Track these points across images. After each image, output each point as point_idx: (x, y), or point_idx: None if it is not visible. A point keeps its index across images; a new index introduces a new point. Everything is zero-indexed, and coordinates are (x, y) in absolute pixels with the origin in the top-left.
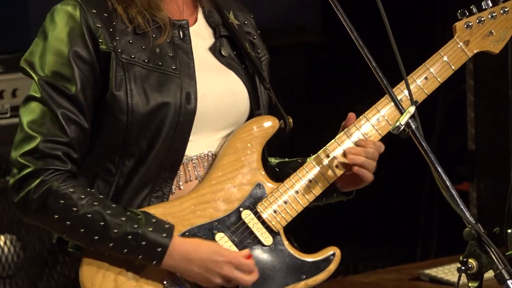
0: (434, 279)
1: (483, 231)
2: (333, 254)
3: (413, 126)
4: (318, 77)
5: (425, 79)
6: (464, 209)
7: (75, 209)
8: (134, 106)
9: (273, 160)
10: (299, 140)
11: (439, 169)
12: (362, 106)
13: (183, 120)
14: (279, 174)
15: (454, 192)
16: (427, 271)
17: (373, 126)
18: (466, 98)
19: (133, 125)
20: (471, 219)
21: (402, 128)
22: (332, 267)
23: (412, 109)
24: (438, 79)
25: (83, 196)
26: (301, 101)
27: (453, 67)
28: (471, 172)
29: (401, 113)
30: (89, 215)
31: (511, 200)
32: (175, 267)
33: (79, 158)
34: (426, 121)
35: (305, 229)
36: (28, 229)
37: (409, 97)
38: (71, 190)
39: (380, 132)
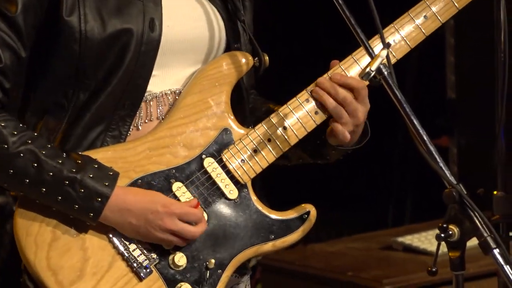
0: (408, 248)
1: (465, 192)
2: (307, 213)
3: (385, 73)
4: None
5: (424, 18)
6: (443, 167)
7: (5, 146)
8: (88, 33)
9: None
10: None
11: (415, 121)
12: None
13: (146, 50)
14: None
15: (431, 148)
16: (400, 239)
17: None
18: (444, 40)
19: (86, 55)
20: (451, 178)
21: (372, 74)
22: (306, 227)
23: (384, 53)
24: (440, 18)
25: (15, 132)
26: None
27: (457, 5)
28: (450, 125)
29: (371, 57)
30: (21, 154)
31: (498, 156)
32: (113, 221)
33: (10, 90)
34: (399, 67)
35: (264, 186)
36: None
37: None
38: (2, 124)
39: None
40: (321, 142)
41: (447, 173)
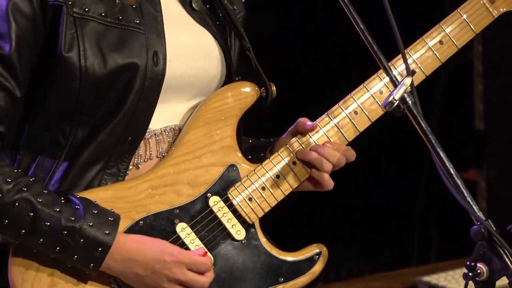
0: None
1: (494, 229)
2: (319, 254)
3: (409, 102)
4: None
5: (439, 43)
6: (471, 202)
7: None
8: (89, 69)
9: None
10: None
11: (441, 154)
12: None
13: (149, 86)
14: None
15: (459, 182)
16: (426, 278)
17: (363, 110)
18: (473, 67)
19: (87, 92)
20: (480, 214)
21: (396, 103)
22: (317, 268)
23: (408, 81)
24: (456, 43)
25: (9, 180)
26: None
27: (474, 28)
28: (479, 157)
29: (395, 86)
30: (16, 204)
31: None
32: (117, 271)
33: (5, 132)
34: (425, 96)
35: (276, 224)
36: None
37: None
38: None
39: (370, 117)
40: None
41: (475, 208)
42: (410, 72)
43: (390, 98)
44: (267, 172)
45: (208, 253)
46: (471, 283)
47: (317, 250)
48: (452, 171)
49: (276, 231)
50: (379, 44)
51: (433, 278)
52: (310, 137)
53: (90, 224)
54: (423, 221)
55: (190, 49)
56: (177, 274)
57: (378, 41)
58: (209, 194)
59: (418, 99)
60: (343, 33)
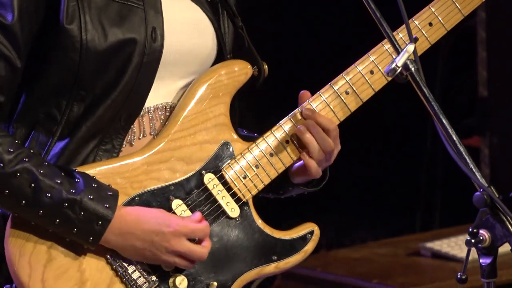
0: (437, 254)
1: (497, 195)
2: (311, 232)
3: (412, 69)
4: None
5: (429, 25)
6: (474, 169)
7: (0, 164)
8: (89, 42)
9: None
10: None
11: (444, 121)
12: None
13: (147, 61)
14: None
15: (462, 149)
16: (429, 245)
17: (366, 79)
18: (476, 33)
19: (86, 65)
20: (482, 181)
21: (398, 70)
22: (309, 247)
23: (411, 48)
24: (462, 11)
25: (11, 150)
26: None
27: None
28: (482, 124)
29: (398, 53)
30: (18, 174)
31: None
32: (116, 244)
33: (4, 103)
34: (428, 63)
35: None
36: None
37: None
38: None
39: (373, 86)
40: (280, 177)
41: (478, 175)
42: (413, 39)
43: (393, 65)
44: (260, 150)
45: (204, 220)
46: (473, 249)
47: (310, 229)
48: (455, 138)
49: (276, 199)
50: (382, 13)
51: (436, 245)
52: (302, 115)
53: (91, 197)
54: (427, 188)
55: (185, 26)
56: (176, 245)
57: (381, 10)
58: (203, 171)
59: (421, 66)
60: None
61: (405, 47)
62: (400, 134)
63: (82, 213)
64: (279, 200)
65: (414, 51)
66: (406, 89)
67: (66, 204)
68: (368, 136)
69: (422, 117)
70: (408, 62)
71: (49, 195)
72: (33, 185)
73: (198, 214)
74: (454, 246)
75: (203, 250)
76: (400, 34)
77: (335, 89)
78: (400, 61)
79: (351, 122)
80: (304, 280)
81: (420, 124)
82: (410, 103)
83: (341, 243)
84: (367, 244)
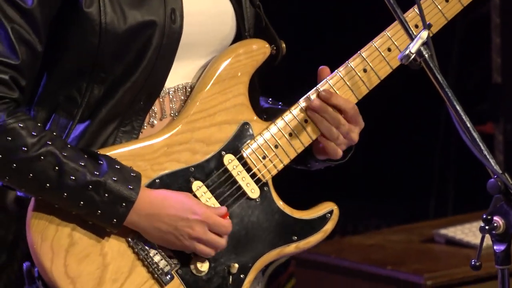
0: (451, 241)
1: (511, 182)
2: (331, 212)
3: (426, 55)
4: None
5: None
6: (488, 156)
7: (24, 148)
8: (109, 25)
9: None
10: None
11: (457, 107)
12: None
13: (167, 43)
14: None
15: (475, 135)
16: (443, 231)
17: (383, 57)
18: (490, 19)
19: (106, 48)
20: (496, 168)
21: (412, 57)
22: (329, 226)
23: (424, 34)
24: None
25: (34, 133)
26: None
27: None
28: (496, 111)
29: (411, 39)
30: (42, 157)
31: None
32: (139, 226)
33: (26, 87)
34: (442, 49)
35: (294, 180)
36: None
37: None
38: (21, 124)
39: (390, 64)
40: (307, 151)
41: (492, 162)
42: (427, 25)
43: (407, 51)
44: (279, 130)
45: (228, 217)
46: (487, 236)
47: (330, 208)
48: (468, 125)
49: (291, 186)
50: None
51: (450, 231)
52: (319, 96)
53: (114, 179)
54: (440, 174)
55: (204, 6)
56: (199, 233)
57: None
58: (223, 152)
59: (434, 52)
60: None
61: (418, 33)
62: (414, 120)
63: (106, 195)
64: (293, 186)
65: (428, 37)
66: (420, 74)
67: (90, 187)
68: (382, 122)
69: (435, 103)
70: (421, 48)
71: (73, 177)
72: (57, 168)
73: (224, 209)
74: (468, 232)
75: (223, 241)
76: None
77: (353, 67)
78: (413, 47)
79: (365, 108)
80: (318, 266)
81: (434, 110)
82: (424, 89)
83: (356, 230)
84: (381, 230)
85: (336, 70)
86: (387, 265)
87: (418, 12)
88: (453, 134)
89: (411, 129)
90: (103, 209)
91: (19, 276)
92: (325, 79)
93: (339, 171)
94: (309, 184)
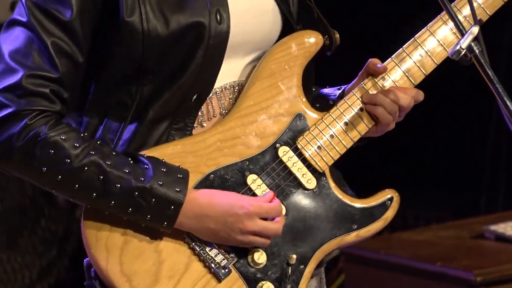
0: (501, 237)
1: None
2: (391, 199)
3: (477, 51)
4: None
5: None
6: None
7: (67, 160)
8: (152, 32)
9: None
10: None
11: (508, 102)
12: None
13: (214, 44)
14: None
15: None
16: (493, 227)
17: (427, 53)
18: None
19: (150, 54)
20: None
21: (463, 52)
22: (389, 214)
23: (475, 30)
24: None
25: (77, 144)
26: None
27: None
28: None
29: (462, 35)
30: (85, 168)
31: None
32: (190, 227)
33: (69, 98)
34: (492, 44)
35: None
36: (6, 175)
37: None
38: (63, 137)
39: (435, 60)
40: None
41: None
42: (478, 21)
43: (457, 47)
44: (334, 119)
45: (277, 197)
46: None
47: (390, 196)
48: None
49: (347, 176)
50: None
51: (500, 227)
52: (376, 82)
53: (160, 183)
54: (491, 169)
55: (247, 5)
56: (250, 226)
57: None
58: (278, 145)
59: (485, 48)
60: None
61: (469, 29)
62: (466, 115)
63: (153, 199)
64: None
65: (479, 33)
66: (471, 69)
67: (136, 193)
68: (434, 118)
69: (487, 98)
70: (472, 44)
71: (118, 185)
72: (101, 177)
73: (270, 193)
74: None
75: (277, 225)
76: (464, 12)
77: (407, 53)
78: (464, 43)
79: (417, 105)
80: (367, 262)
81: (485, 106)
82: (475, 84)
83: (405, 225)
84: (430, 226)
85: (390, 58)
86: (437, 261)
87: (469, 7)
88: (504, 129)
89: (462, 124)
90: (152, 213)
91: (69, 271)
92: (379, 66)
93: (389, 167)
94: (358, 174)
